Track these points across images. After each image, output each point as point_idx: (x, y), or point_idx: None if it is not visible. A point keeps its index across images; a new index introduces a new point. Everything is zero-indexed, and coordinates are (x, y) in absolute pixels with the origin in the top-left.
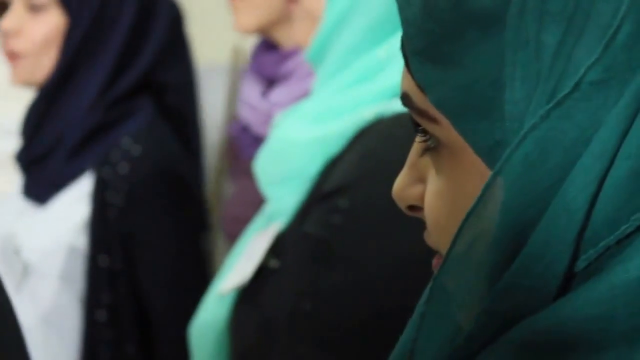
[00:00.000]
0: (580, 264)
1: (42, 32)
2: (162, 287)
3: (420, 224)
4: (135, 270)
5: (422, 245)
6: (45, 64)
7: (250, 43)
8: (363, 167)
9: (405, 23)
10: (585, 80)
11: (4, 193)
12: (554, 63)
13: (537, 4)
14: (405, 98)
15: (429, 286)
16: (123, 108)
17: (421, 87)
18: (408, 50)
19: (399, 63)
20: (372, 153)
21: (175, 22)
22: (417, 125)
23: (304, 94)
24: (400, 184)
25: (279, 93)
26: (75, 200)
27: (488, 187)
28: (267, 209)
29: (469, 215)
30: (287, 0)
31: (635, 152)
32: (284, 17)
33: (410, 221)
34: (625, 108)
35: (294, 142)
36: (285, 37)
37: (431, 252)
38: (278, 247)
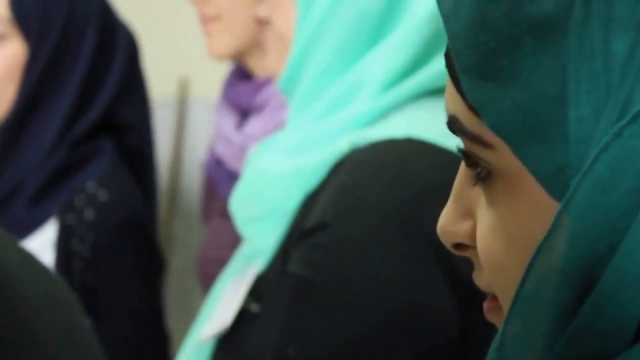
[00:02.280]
0: None
1: (1, 62)
2: (124, 343)
3: (399, 258)
4: (98, 325)
5: (401, 279)
6: (5, 99)
7: (197, 74)
8: (339, 202)
9: (453, 37)
10: None
11: None
12: (624, 74)
13: (602, 9)
14: (453, 122)
15: (499, 331)
16: (86, 149)
17: (473, 109)
18: (457, 68)
19: (368, 88)
20: (348, 187)
21: (133, 55)
22: (466, 153)
23: (279, 125)
24: (446, 219)
25: (253, 125)
26: (39, 250)
27: (559, 217)
28: (245, 249)
29: (539, 249)
30: (258, 24)
31: None
32: (257, 43)
33: (395, 254)
34: None
35: (270, 176)
36: (259, 65)
37: (412, 284)
38: (258, 290)
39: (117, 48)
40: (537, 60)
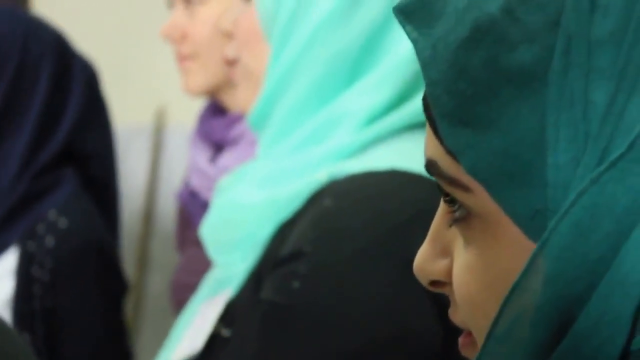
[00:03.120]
0: (636, 344)
1: None
2: None
3: (382, 287)
4: (58, 347)
5: (385, 308)
6: None
7: (174, 102)
8: (319, 230)
9: (431, 83)
10: None
11: None
12: (604, 122)
13: (583, 60)
14: (431, 165)
15: None
16: (47, 180)
17: (451, 153)
18: (435, 113)
19: (347, 123)
20: (327, 216)
21: (92, 83)
22: (445, 194)
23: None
24: (422, 257)
25: (227, 158)
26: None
27: (534, 259)
28: (214, 276)
29: (513, 290)
30: (227, 64)
31: None
32: (230, 81)
33: (373, 285)
34: None
35: (243, 207)
36: (233, 101)
37: (396, 314)
38: (229, 315)
39: (74, 80)
40: (516, 108)
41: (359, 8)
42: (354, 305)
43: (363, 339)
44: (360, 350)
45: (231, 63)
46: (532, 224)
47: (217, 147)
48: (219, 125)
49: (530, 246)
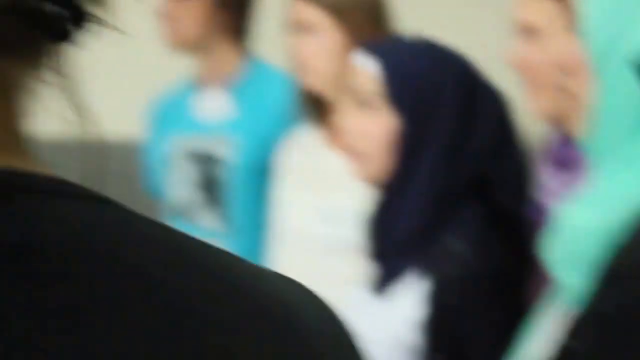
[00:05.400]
0: None
1: (379, 131)
2: None
3: None
4: None
5: None
6: (382, 163)
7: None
8: None
9: None
10: None
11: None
12: None
13: None
14: None
15: None
16: (452, 206)
17: None
18: None
19: None
20: None
21: (501, 112)
22: None
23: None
24: None
25: (568, 176)
26: (410, 298)
27: None
28: (556, 291)
29: None
30: (563, 95)
31: None
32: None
33: None
34: None
35: (580, 230)
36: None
37: None
38: (577, 329)
39: (482, 107)
40: None
41: None
42: None
43: None
44: None
45: (568, 95)
46: None
47: (562, 165)
48: (562, 148)
49: None
